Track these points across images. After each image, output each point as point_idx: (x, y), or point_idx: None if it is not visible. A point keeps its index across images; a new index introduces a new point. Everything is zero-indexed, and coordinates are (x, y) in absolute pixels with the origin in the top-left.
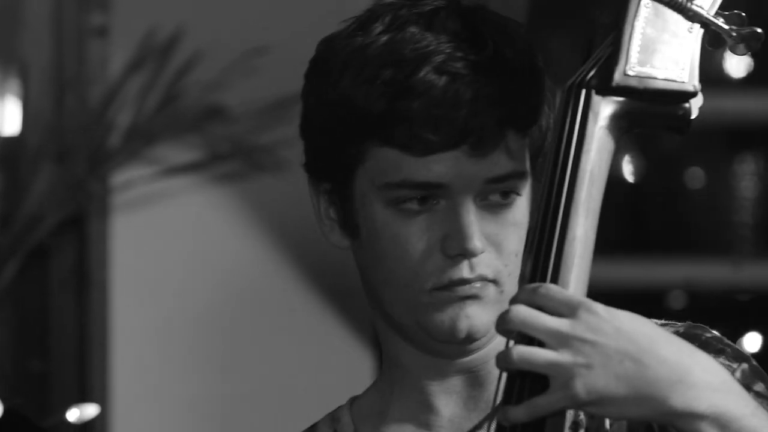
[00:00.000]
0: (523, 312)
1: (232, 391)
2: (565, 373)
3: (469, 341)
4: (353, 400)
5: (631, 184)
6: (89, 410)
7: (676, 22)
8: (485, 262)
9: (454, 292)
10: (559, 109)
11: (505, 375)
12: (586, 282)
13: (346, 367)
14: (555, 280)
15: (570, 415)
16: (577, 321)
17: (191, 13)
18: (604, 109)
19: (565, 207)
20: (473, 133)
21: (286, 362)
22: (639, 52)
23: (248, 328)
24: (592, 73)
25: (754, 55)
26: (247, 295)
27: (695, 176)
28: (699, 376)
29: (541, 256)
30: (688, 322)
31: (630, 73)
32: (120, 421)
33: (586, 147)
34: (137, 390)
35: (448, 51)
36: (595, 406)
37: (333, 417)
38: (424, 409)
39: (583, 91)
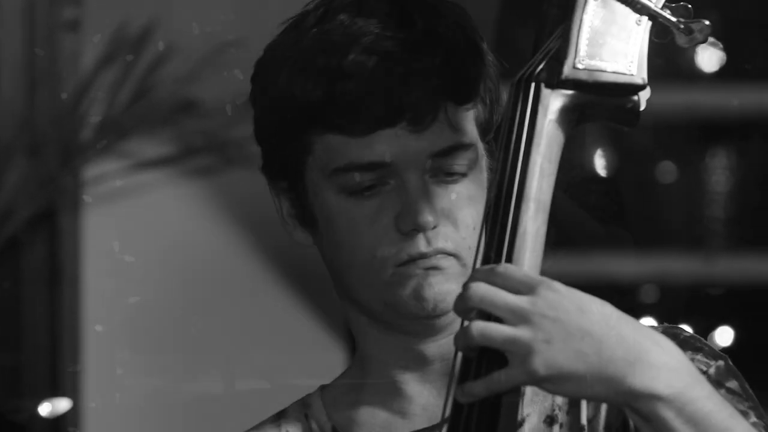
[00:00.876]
0: (483, 289)
1: (204, 385)
2: (525, 349)
3: (437, 312)
4: (323, 388)
5: (602, 178)
6: (61, 404)
7: (624, 15)
8: (442, 236)
9: (414, 266)
10: (508, 103)
11: (461, 355)
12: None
13: (318, 360)
14: None
15: (545, 408)
16: (537, 297)
17: (163, 7)
18: (554, 102)
19: (516, 201)
20: (409, 109)
21: (259, 356)
22: (588, 45)
23: (220, 322)
24: (541, 66)
25: (725, 49)
26: (219, 289)
27: (667, 170)
28: (657, 357)
29: (493, 251)
30: (665, 324)
31: (579, 66)
32: (92, 415)
33: (536, 140)
34: (109, 384)
35: (376, 32)
36: (553, 383)
37: (303, 402)
38: (397, 397)
39: (533, 85)
